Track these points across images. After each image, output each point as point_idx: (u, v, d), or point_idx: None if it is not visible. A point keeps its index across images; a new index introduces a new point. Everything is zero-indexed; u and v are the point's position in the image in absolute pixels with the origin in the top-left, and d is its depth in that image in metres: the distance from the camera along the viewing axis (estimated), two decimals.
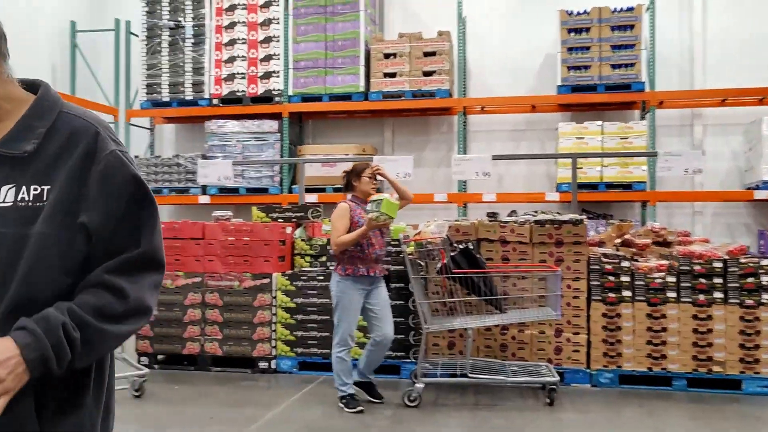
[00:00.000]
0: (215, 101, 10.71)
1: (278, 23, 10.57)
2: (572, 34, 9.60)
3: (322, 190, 10.20)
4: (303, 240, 5.97)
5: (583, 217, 5.58)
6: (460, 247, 4.95)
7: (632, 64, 9.36)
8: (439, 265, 4.82)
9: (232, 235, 5.83)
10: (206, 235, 5.87)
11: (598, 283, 5.40)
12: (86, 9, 11.97)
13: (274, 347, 5.70)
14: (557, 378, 4.93)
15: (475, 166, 6.29)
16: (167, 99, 10.90)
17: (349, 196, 4.80)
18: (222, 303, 5.76)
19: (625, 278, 5.36)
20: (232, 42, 10.69)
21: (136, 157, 11.01)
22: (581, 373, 5.34)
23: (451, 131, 10.88)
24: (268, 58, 10.57)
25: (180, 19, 10.87)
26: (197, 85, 10.80)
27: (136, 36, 11.39)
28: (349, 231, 4.46)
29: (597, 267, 5.40)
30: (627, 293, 5.35)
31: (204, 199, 10.55)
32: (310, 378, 5.56)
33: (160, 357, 5.90)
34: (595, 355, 5.35)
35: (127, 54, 11.53)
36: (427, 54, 10.06)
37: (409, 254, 4.83)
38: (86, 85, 11.61)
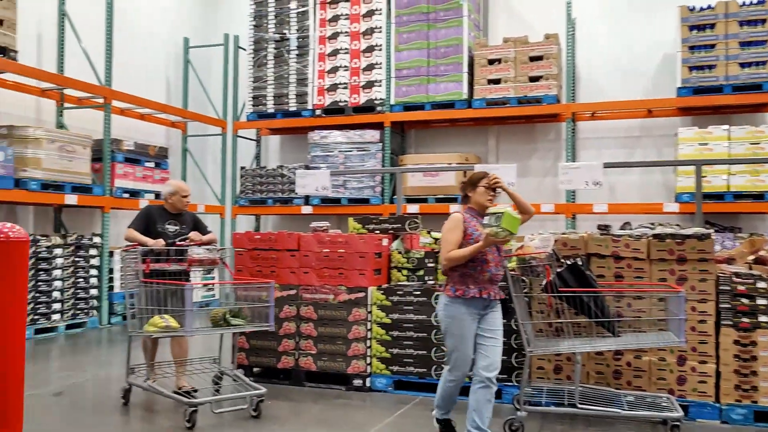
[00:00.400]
0: (318, 112, 10.75)
1: (380, 32, 10.48)
2: (694, 31, 8.84)
3: (424, 200, 9.97)
4: (400, 252, 5.74)
5: (711, 230, 4.99)
6: (568, 262, 4.53)
7: (764, 62, 8.49)
8: (544, 282, 4.42)
9: (327, 247, 5.67)
10: (301, 246, 5.75)
11: (729, 306, 4.79)
12: (198, 25, 12.40)
13: (369, 364, 5.49)
14: (681, 413, 4.39)
15: (585, 175, 5.81)
16: (272, 110, 11.07)
17: (457, 207, 4.43)
18: (316, 317, 5.61)
19: (761, 301, 4.74)
20: (335, 52, 10.70)
21: (243, 168, 11.23)
22: (709, 407, 4.75)
23: (558, 139, 10.35)
24: (370, 67, 10.49)
25: (285, 31, 11.01)
26: (301, 96, 10.89)
27: (244, 50, 11.66)
28: (461, 246, 3.92)
29: (727, 287, 4.81)
30: (764, 318, 4.72)
31: (307, 210, 10.60)
32: (405, 398, 5.29)
33: (255, 370, 5.84)
34: (725, 387, 4.75)
35: (236, 68, 11.82)
36: (533, 59, 9.62)
37: (512, 270, 4.47)
38: (198, 99, 12.01)
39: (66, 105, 9.45)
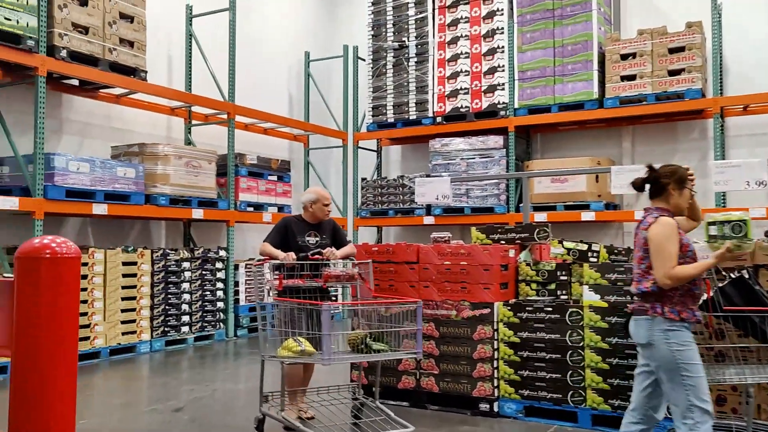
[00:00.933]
0: (439, 119, 10.42)
1: (502, 33, 10.01)
2: None
3: (552, 208, 9.35)
4: (528, 264, 5.24)
5: None
6: (732, 276, 3.86)
7: None
8: (703, 298, 3.79)
9: (448, 259, 5.28)
10: (421, 258, 5.39)
11: None
12: (318, 39, 12.48)
13: (497, 387, 5.02)
14: None
15: (745, 174, 5.04)
16: (392, 120, 10.88)
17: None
18: (438, 334, 5.22)
19: None
20: (455, 57, 10.34)
21: (364, 179, 11.11)
22: None
23: (704, 137, 9.36)
24: (492, 70, 10.03)
25: (404, 39, 10.80)
26: (421, 104, 10.62)
27: (363, 60, 11.57)
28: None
29: None
30: None
31: (428, 220, 10.27)
32: (538, 426, 4.78)
33: (374, 389, 5.53)
34: None
35: (355, 79, 11.76)
36: (673, 50, 8.76)
37: None
38: (319, 112, 12.06)
39: (194, 122, 9.73)
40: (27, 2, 6.73)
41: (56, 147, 7.96)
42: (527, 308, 4.97)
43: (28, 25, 6.74)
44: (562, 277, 5.09)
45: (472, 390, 5.08)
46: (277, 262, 4.62)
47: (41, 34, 6.88)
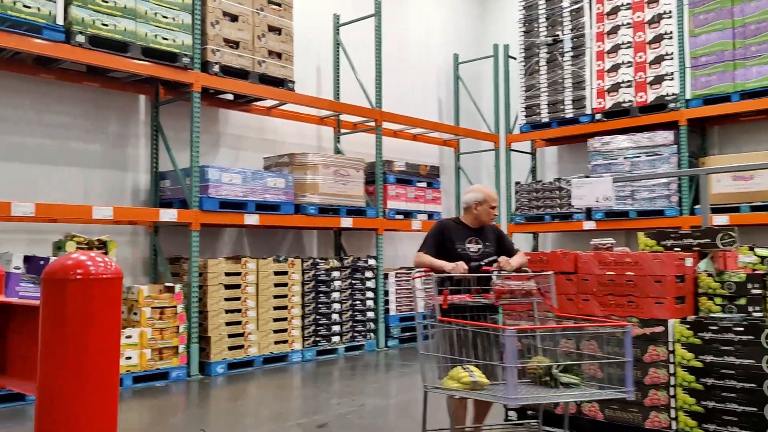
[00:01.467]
0: (598, 116, 9.62)
1: (670, 17, 9.03)
2: None
3: (735, 209, 8.22)
4: (710, 275, 4.49)
5: None
6: None
7: None
8: None
9: (611, 269, 4.65)
10: (579, 268, 4.80)
11: None
12: (467, 40, 12.11)
13: (674, 419, 4.31)
14: None
15: None
16: (546, 120, 10.23)
17: None
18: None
19: None
20: (615, 48, 9.50)
21: (517, 183, 10.54)
22: None
23: None
24: (658, 59, 9.08)
25: (558, 33, 10.13)
26: (578, 101, 9.87)
27: (515, 59, 11.02)
28: None
29: None
30: None
31: (589, 225, 9.49)
32: None
33: (530, 413, 5.02)
34: None
35: (506, 79, 11.24)
36: None
37: None
38: (469, 115, 11.67)
39: (342, 131, 9.72)
40: (182, 21, 6.99)
41: (214, 160, 8.24)
42: (711, 327, 4.22)
43: (183, 43, 6.99)
44: (754, 291, 4.29)
45: (644, 420, 4.41)
46: (443, 275, 3.85)
47: (195, 51, 7.12)
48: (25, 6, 5.93)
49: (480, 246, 4.26)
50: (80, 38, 6.24)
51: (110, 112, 7.46)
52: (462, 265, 3.94)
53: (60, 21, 6.19)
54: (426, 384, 3.65)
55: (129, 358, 6.42)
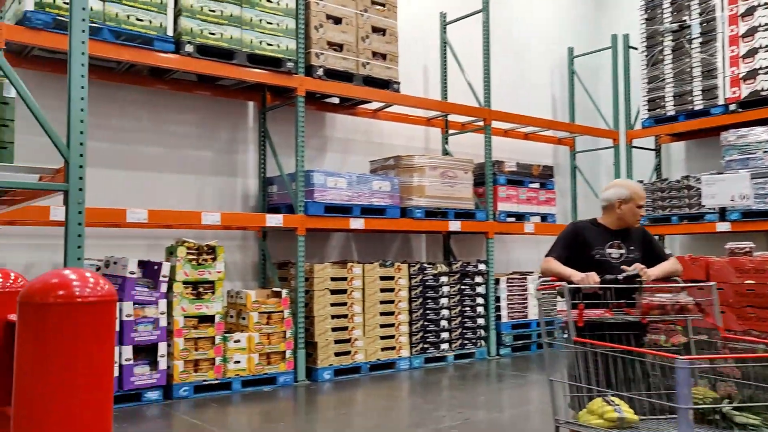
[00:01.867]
0: (732, 106, 8.76)
1: None
2: None
3: None
4: None
5: None
6: None
7: None
8: None
9: (750, 277, 4.09)
10: (712, 276, 4.27)
11: None
12: (582, 32, 11.50)
13: None
14: None
15: None
16: (672, 113, 9.46)
17: None
18: (740, 374, 4.06)
19: None
20: (751, 31, 8.62)
21: (641, 182, 9.82)
22: None
23: None
24: None
25: (685, 18, 9.35)
26: (708, 92, 9.05)
27: (635, 49, 10.31)
28: None
29: None
30: None
31: (723, 227, 8.63)
32: None
33: None
34: None
35: (626, 71, 10.54)
36: None
37: None
38: (585, 111, 11.05)
39: (450, 131, 9.46)
40: (287, 26, 7.01)
41: (321, 164, 8.23)
42: None
43: (287, 48, 7.01)
44: None
45: None
46: (573, 286, 3.32)
47: (299, 55, 7.12)
48: (138, 19, 6.13)
49: (623, 251, 3.72)
50: (189, 48, 6.39)
51: (220, 119, 7.62)
52: (593, 277, 3.41)
53: (170, 32, 6.35)
54: (557, 418, 3.15)
55: (238, 362, 6.48)
